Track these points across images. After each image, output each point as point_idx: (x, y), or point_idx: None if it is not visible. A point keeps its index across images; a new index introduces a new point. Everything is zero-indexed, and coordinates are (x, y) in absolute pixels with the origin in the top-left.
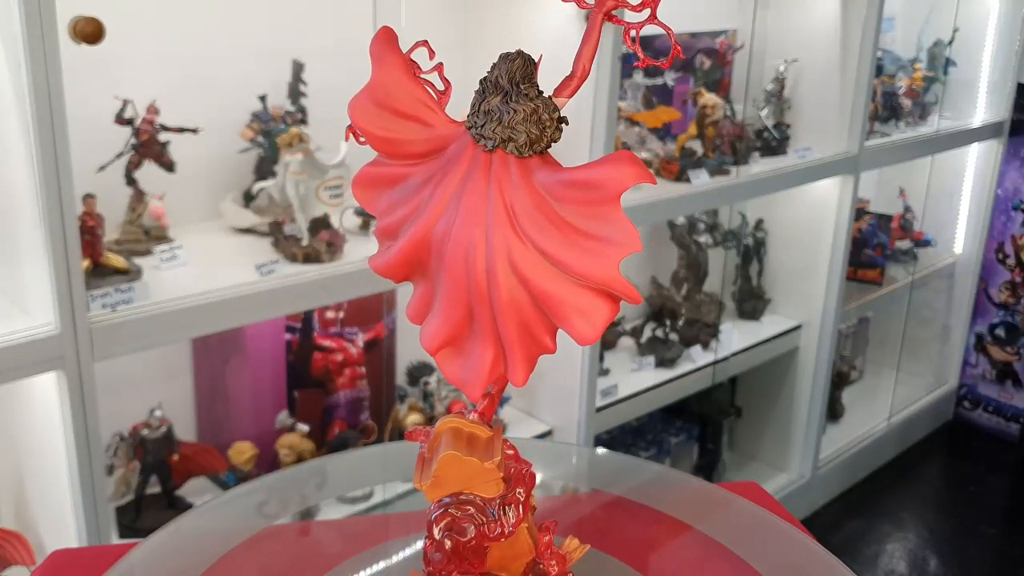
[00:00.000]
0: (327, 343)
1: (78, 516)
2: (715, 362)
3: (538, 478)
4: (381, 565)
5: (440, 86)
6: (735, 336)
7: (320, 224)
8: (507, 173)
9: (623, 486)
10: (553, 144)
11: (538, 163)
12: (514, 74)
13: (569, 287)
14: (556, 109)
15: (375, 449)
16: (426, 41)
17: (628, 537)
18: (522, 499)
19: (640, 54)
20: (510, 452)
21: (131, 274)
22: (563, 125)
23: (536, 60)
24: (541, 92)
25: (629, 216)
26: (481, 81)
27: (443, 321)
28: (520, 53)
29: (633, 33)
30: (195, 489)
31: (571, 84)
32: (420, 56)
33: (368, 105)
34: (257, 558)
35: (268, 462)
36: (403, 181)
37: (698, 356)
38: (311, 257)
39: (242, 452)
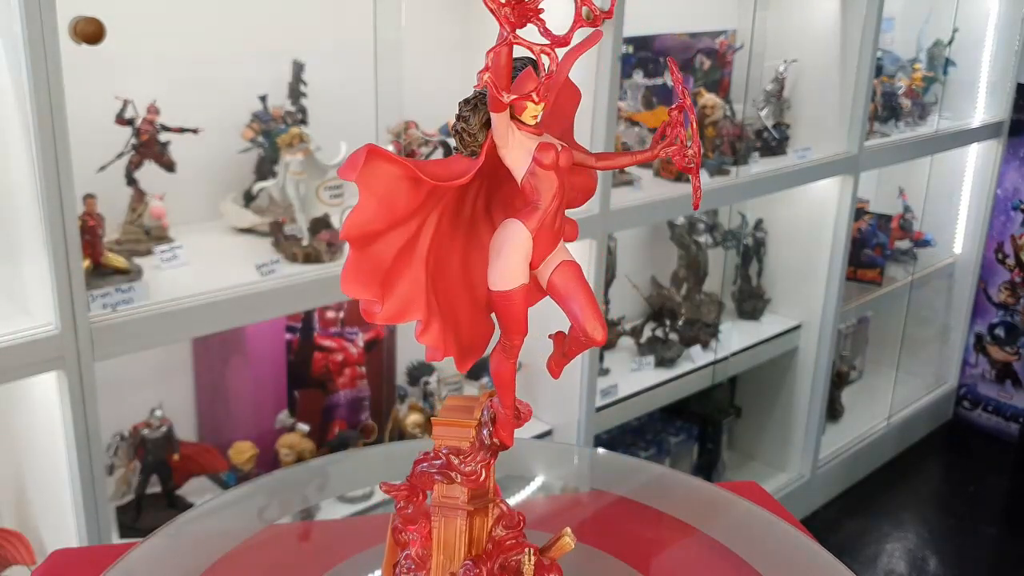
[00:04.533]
0: (327, 343)
1: (78, 516)
2: (715, 362)
3: (539, 480)
4: (381, 565)
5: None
6: (735, 336)
7: (320, 224)
8: None
9: (623, 486)
10: (462, 152)
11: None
12: None
13: None
14: (463, 123)
15: (375, 449)
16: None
17: (629, 537)
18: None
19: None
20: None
21: (131, 274)
22: (464, 138)
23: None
24: (478, 106)
25: (629, 216)
26: None
27: None
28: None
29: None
30: (195, 489)
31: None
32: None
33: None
34: (257, 558)
35: (268, 462)
36: None
37: (698, 356)
38: (311, 257)
39: (242, 452)
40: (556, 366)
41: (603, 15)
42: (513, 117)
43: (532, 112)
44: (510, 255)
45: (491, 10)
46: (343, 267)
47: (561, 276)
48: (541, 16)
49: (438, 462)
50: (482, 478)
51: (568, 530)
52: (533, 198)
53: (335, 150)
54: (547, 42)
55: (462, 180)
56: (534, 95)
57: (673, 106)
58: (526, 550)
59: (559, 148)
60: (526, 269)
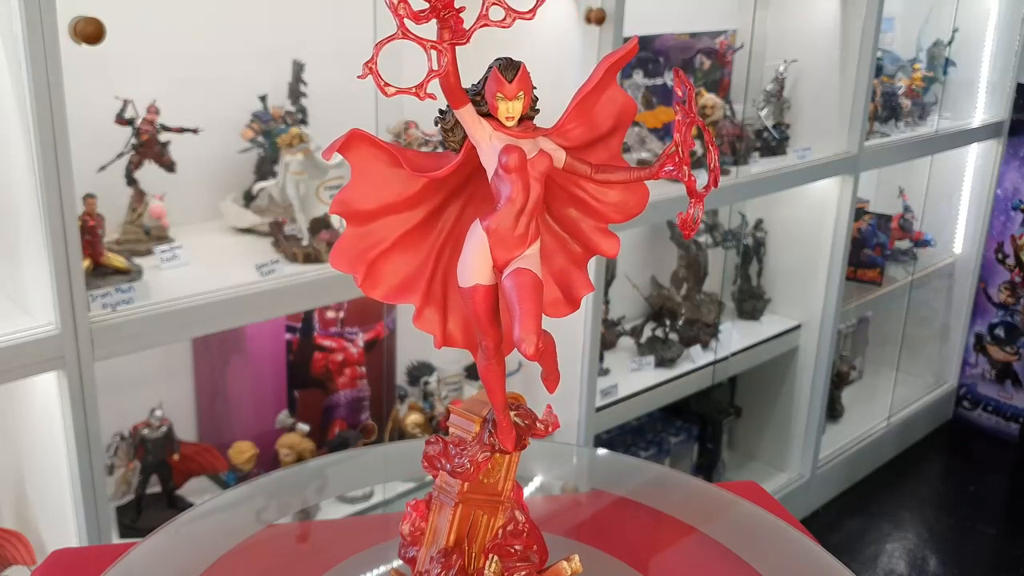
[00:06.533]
0: (327, 343)
1: (78, 516)
2: (715, 362)
3: (538, 480)
4: (381, 565)
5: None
6: (735, 336)
7: (320, 224)
8: None
9: (623, 486)
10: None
11: None
12: None
13: None
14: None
15: (375, 449)
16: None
17: (628, 537)
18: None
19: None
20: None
21: (131, 274)
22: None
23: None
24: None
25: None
26: None
27: None
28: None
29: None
30: (195, 489)
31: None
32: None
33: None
34: (257, 558)
35: (268, 462)
36: None
37: (698, 356)
38: (311, 257)
39: (242, 452)
40: (545, 379)
41: (517, 15)
42: (491, 116)
43: (505, 112)
44: (468, 253)
45: (387, 5)
46: (336, 241)
47: (509, 281)
48: (460, 15)
49: (439, 447)
50: (471, 473)
51: (576, 557)
52: (496, 198)
53: None
54: (448, 39)
55: (438, 174)
56: (418, 90)
57: (677, 120)
58: (491, 556)
59: (530, 153)
60: (484, 269)
